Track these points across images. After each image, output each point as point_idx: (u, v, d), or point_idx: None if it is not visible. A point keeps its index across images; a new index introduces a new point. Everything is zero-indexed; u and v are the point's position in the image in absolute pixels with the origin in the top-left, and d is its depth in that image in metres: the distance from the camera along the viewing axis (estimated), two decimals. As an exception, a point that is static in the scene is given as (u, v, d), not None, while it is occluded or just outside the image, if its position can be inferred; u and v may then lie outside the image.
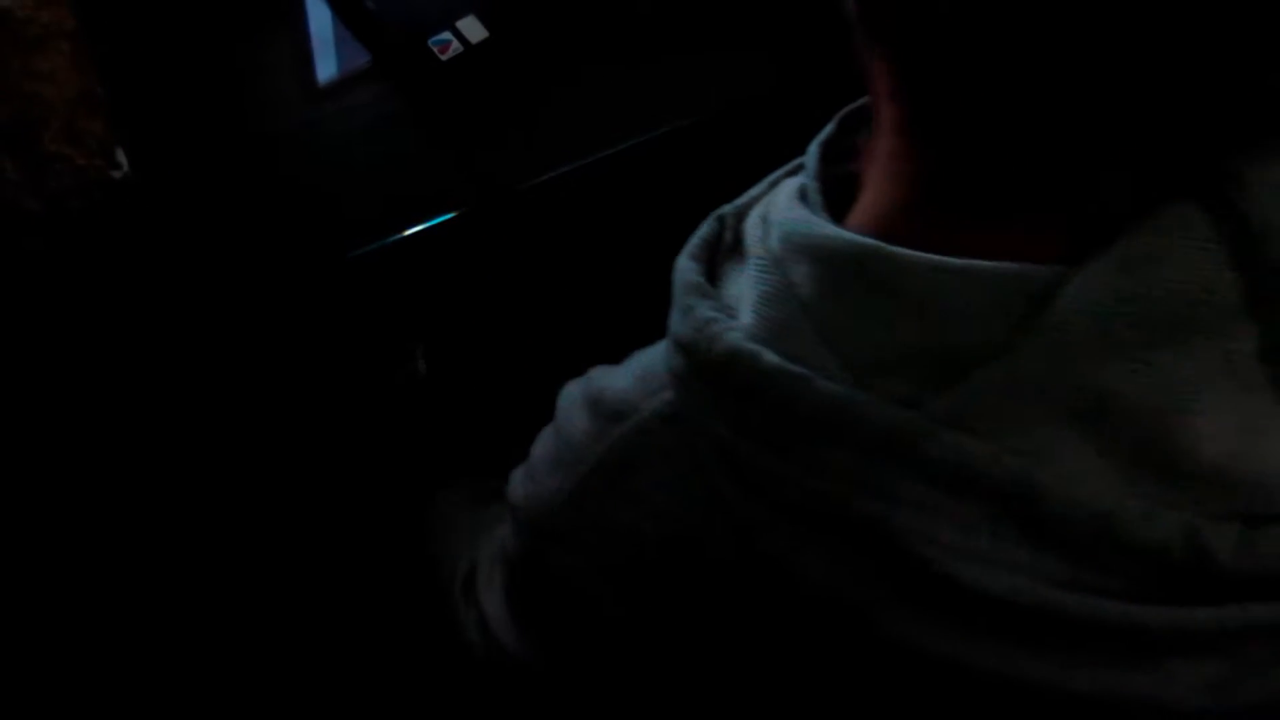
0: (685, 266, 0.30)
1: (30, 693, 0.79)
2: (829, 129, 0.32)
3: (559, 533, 0.30)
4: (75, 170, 0.70)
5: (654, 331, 0.33)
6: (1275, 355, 0.20)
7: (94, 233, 0.73)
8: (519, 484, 0.33)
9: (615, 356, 0.38)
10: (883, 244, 0.24)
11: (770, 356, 0.24)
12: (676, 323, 0.28)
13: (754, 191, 0.32)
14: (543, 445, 0.33)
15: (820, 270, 0.24)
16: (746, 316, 0.26)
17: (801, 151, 0.32)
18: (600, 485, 0.28)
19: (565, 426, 0.32)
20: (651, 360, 0.31)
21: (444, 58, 1.01)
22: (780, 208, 0.28)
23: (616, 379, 0.31)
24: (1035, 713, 0.22)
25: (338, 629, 0.89)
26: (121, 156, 0.72)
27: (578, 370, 0.39)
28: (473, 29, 0.95)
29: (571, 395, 0.34)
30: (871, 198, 0.27)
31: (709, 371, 0.25)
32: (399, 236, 0.90)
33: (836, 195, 0.29)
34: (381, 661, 0.88)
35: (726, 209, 0.32)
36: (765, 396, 0.24)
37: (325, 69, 0.85)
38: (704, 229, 0.32)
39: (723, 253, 0.31)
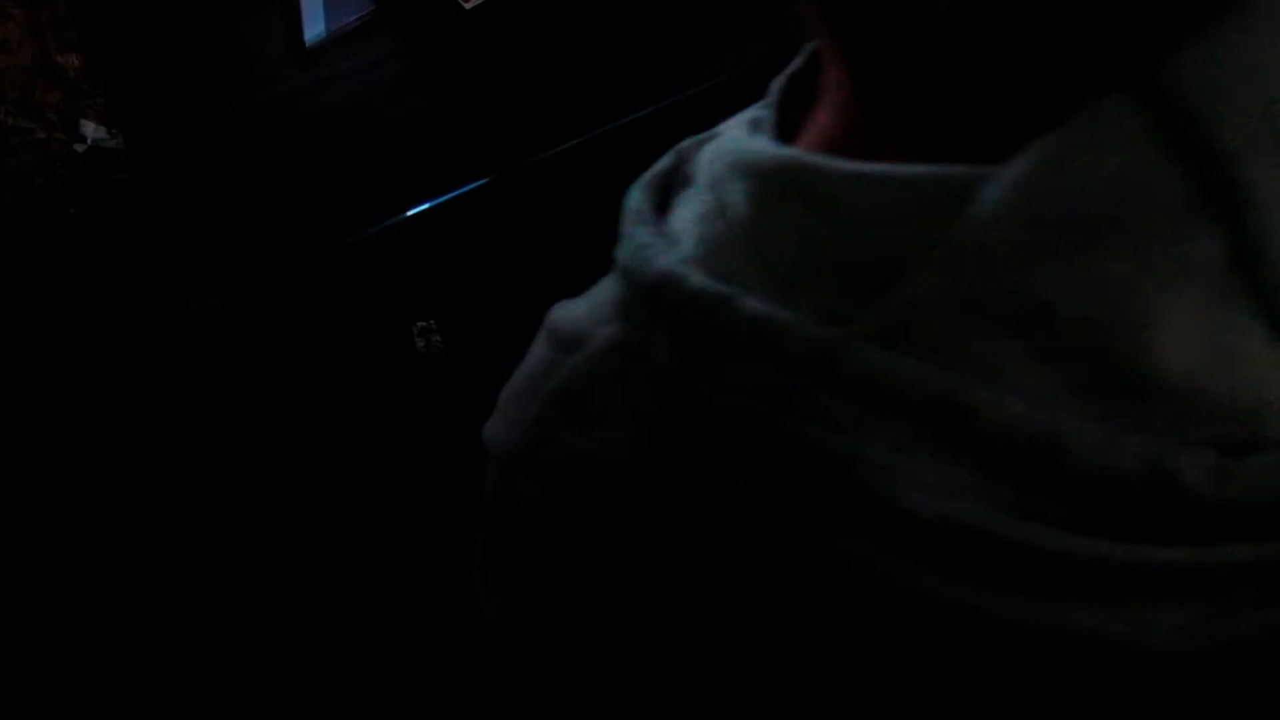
0: (633, 196, 0.31)
1: (39, 690, 0.80)
2: (797, 62, 0.31)
3: (522, 461, 0.30)
4: (35, 145, 0.67)
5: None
6: (1244, 261, 0.19)
7: (84, 211, 0.71)
8: (490, 423, 0.34)
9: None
10: (806, 154, 0.23)
11: (697, 277, 0.25)
12: (619, 251, 0.29)
13: (721, 126, 0.31)
14: (510, 383, 0.34)
15: (751, 185, 0.25)
16: (687, 241, 0.27)
17: None
18: (556, 414, 0.29)
19: (528, 359, 0.32)
20: (603, 291, 0.31)
21: (468, 5, 0.92)
22: (729, 135, 0.29)
23: (572, 310, 0.32)
24: (986, 641, 0.21)
25: (355, 621, 0.87)
26: (86, 128, 0.69)
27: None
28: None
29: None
30: (818, 127, 0.27)
31: (644, 296, 0.27)
32: (404, 216, 0.84)
33: (797, 130, 0.28)
34: (404, 654, 0.85)
35: (687, 141, 0.32)
36: (692, 318, 0.25)
37: (313, 28, 0.79)
38: (662, 161, 0.32)
39: (678, 184, 0.31)
